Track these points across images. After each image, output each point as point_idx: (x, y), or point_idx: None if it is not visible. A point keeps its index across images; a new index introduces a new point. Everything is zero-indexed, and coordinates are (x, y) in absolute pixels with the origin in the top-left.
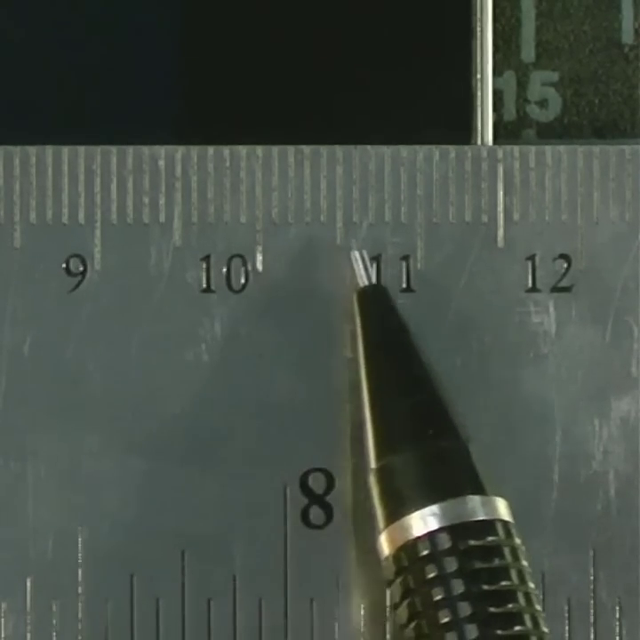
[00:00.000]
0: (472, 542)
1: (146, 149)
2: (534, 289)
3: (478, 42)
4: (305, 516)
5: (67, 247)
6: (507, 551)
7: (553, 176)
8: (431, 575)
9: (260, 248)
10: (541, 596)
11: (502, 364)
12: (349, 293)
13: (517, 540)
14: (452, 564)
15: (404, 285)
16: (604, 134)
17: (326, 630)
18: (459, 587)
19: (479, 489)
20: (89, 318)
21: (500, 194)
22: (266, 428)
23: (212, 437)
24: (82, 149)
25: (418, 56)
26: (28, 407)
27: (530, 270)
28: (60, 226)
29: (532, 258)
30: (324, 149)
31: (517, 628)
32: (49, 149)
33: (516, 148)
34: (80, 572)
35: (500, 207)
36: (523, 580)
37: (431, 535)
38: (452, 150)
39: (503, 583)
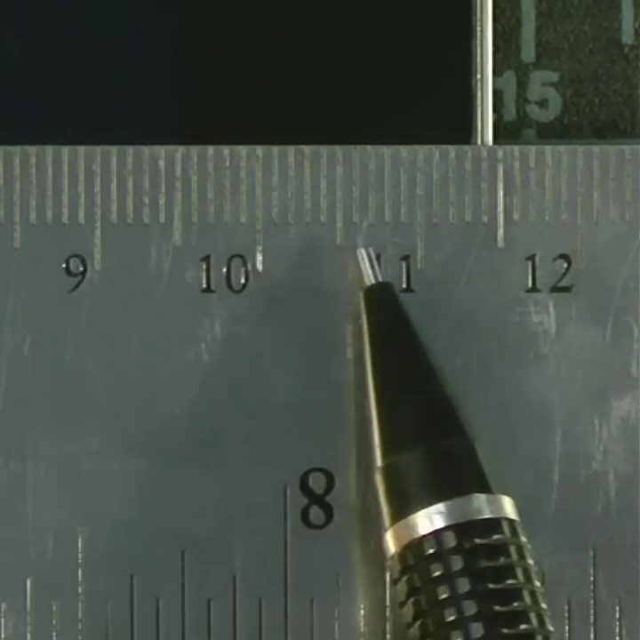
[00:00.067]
0: (478, 541)
1: (146, 149)
2: (534, 289)
3: (478, 42)
4: (305, 516)
5: (67, 247)
6: (512, 549)
7: (553, 176)
8: (437, 574)
9: (259, 248)
10: None
11: (502, 364)
12: (349, 293)
13: (523, 539)
14: (457, 563)
15: (404, 285)
16: (604, 134)
17: (326, 630)
18: (464, 585)
19: (485, 487)
20: (89, 318)
21: (500, 194)
22: (266, 428)
23: (212, 437)
24: (82, 149)
25: (418, 56)
26: (27, 407)
27: (530, 270)
28: (60, 226)
29: (531, 258)
30: (323, 149)
31: (523, 626)
32: (49, 149)
33: (516, 148)
34: (80, 571)
35: (500, 207)
36: (528, 579)
37: (437, 534)
38: (451, 150)
39: (509, 582)
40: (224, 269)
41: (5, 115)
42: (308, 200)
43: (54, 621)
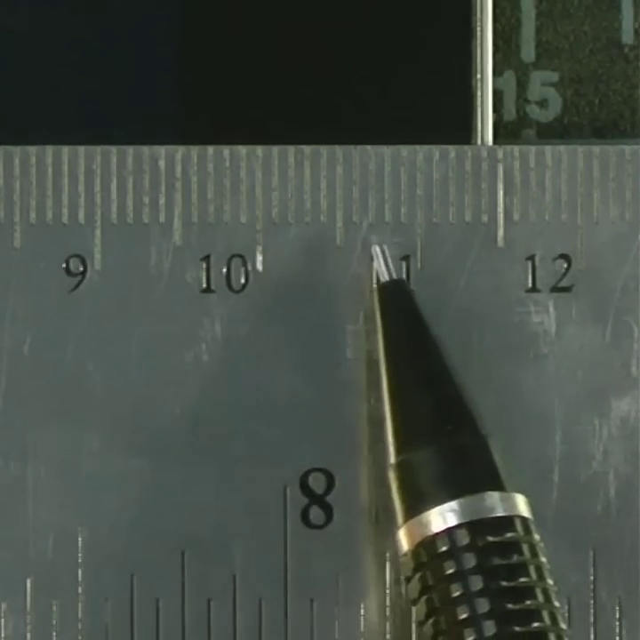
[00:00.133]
0: (491, 538)
1: (146, 149)
2: (534, 289)
3: (478, 42)
4: (305, 515)
5: (67, 247)
6: (525, 547)
7: (553, 176)
8: (449, 571)
9: (259, 248)
10: None
11: (502, 364)
12: (349, 293)
13: (536, 537)
14: (470, 561)
15: None
16: (604, 134)
17: (326, 630)
18: (477, 583)
19: (498, 485)
20: (89, 318)
21: (500, 194)
22: (266, 428)
23: (212, 437)
24: (82, 149)
25: (418, 56)
26: (27, 407)
27: (530, 270)
28: (60, 226)
29: (531, 258)
30: (323, 149)
31: (536, 624)
32: (49, 149)
33: (516, 148)
34: (80, 572)
35: (500, 207)
36: (541, 577)
37: (450, 531)
38: (451, 150)
39: (521, 580)
40: (224, 269)
41: (5, 115)
42: (307, 200)
43: (54, 621)
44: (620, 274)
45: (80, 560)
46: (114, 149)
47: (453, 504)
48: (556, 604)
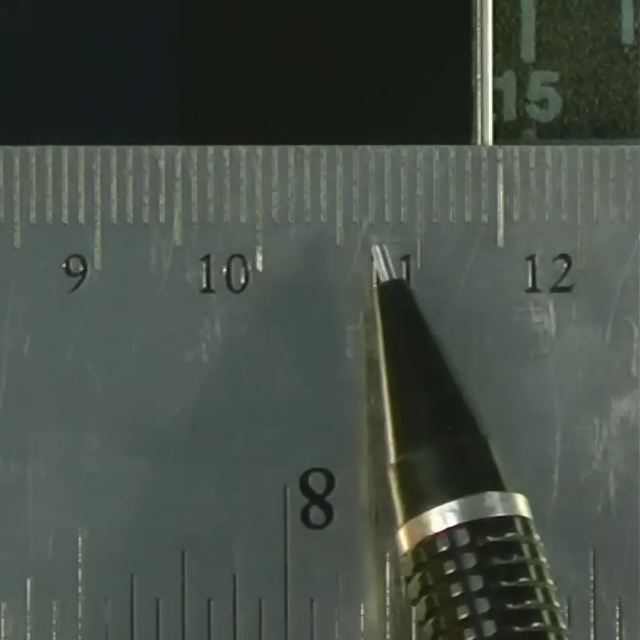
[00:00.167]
0: (491, 538)
1: (146, 149)
2: (534, 289)
3: (478, 42)
4: (305, 515)
5: (67, 247)
6: (525, 547)
7: (553, 176)
8: (449, 571)
9: (259, 248)
10: None
11: (502, 364)
12: (349, 293)
13: (536, 537)
14: (470, 561)
15: None
16: (604, 134)
17: (326, 630)
18: (477, 583)
19: (498, 485)
20: (89, 318)
21: (500, 194)
22: (266, 428)
23: (212, 437)
24: (82, 149)
25: (418, 56)
26: (27, 407)
27: (530, 270)
28: (60, 226)
29: (531, 258)
30: (323, 149)
31: (536, 624)
32: (49, 149)
33: (516, 148)
34: (80, 572)
35: (500, 207)
36: (541, 577)
37: (450, 531)
38: (451, 150)
39: (521, 580)
40: (224, 269)
41: (5, 115)
42: (307, 200)
43: (54, 621)
44: (619, 274)
45: (80, 560)
46: (114, 149)
47: (453, 504)
48: (556, 603)
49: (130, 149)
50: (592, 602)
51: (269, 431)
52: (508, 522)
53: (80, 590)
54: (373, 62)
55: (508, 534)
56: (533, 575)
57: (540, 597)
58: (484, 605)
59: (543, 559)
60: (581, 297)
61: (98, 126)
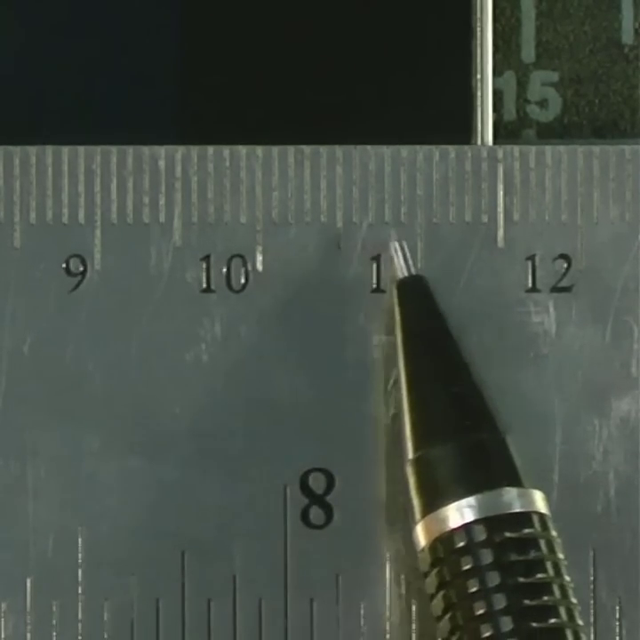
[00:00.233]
0: (508, 534)
1: (146, 149)
2: (534, 289)
3: (478, 42)
4: (305, 515)
5: (67, 247)
6: (542, 543)
7: (553, 176)
8: (467, 567)
9: (259, 248)
10: None
11: (502, 364)
12: (349, 293)
13: (553, 533)
14: (487, 557)
15: None
16: (604, 134)
17: (326, 630)
18: (494, 579)
19: (516, 481)
20: (89, 318)
21: (500, 194)
22: (266, 428)
23: (212, 437)
24: (82, 149)
25: (418, 56)
26: (27, 407)
27: (530, 270)
28: (60, 226)
29: (531, 258)
30: (323, 149)
31: (552, 620)
32: (49, 149)
33: (516, 148)
34: (80, 572)
35: (500, 207)
36: (558, 573)
37: (467, 527)
38: (451, 150)
39: (539, 576)
40: (224, 269)
41: (5, 115)
42: (307, 200)
43: (54, 621)
44: (620, 274)
45: (80, 560)
46: (114, 149)
47: (471, 500)
48: (574, 600)
49: (130, 149)
50: (592, 602)
51: (269, 431)
52: (525, 518)
53: (80, 590)
54: (373, 62)
55: (526, 530)
56: (551, 571)
57: (558, 593)
58: (500, 601)
59: (561, 555)
60: (581, 297)
61: (98, 126)
